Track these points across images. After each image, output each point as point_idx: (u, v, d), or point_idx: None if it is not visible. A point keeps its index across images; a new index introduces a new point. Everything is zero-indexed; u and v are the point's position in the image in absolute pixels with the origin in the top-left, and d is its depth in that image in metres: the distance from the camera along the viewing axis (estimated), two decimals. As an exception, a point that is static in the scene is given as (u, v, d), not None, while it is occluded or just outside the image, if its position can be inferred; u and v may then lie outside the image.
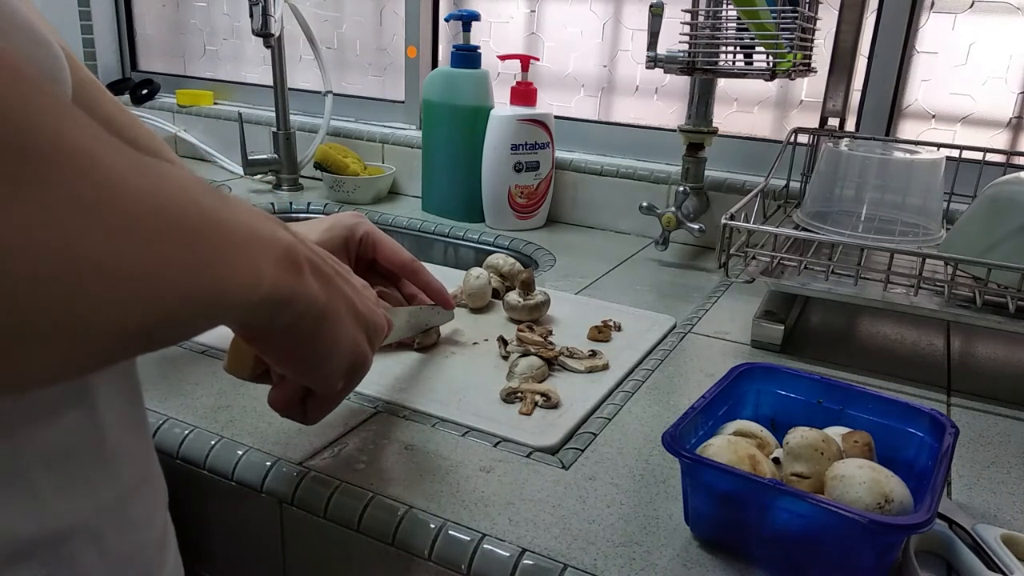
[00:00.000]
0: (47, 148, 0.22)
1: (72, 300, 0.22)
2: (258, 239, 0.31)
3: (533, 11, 1.24)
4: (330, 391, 0.43)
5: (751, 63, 0.90)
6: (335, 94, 1.31)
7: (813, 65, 0.92)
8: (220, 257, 0.28)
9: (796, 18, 0.83)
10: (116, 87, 1.61)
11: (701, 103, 0.96)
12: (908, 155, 0.82)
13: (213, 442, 0.53)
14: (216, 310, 0.29)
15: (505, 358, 0.67)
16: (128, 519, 0.37)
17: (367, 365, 0.43)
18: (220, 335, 0.35)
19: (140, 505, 0.38)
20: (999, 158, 0.89)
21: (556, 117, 1.11)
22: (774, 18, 0.83)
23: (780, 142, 0.93)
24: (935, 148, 0.83)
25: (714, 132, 0.98)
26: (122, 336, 0.25)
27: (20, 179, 0.21)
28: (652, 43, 0.91)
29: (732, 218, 0.71)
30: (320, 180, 1.26)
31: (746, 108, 1.13)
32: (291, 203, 1.23)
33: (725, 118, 1.12)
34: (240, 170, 1.30)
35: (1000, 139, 0.99)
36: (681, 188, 1.00)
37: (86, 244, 0.22)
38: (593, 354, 0.67)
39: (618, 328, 0.74)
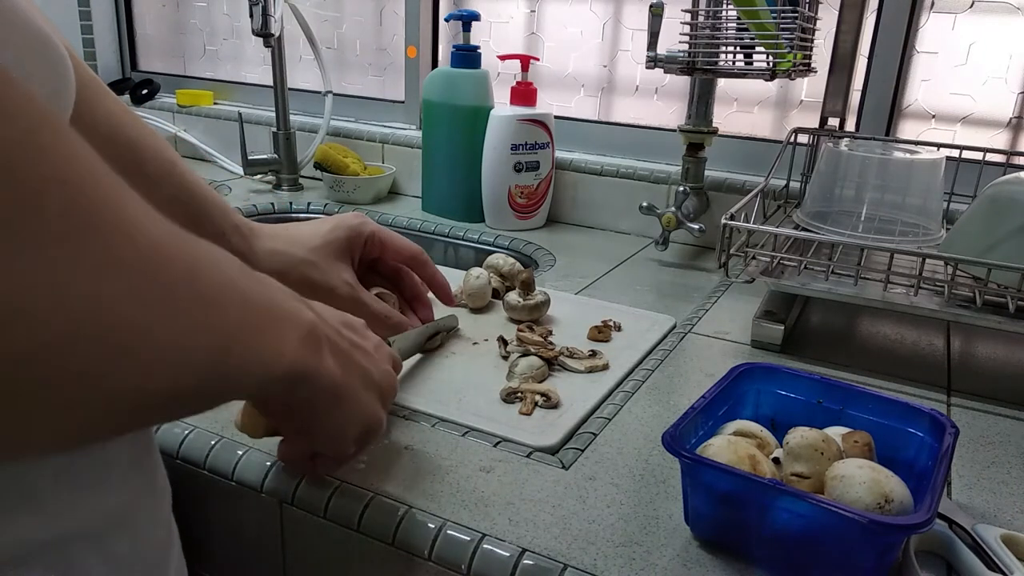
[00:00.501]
0: (94, 208, 0.22)
1: (100, 361, 0.22)
2: (284, 316, 0.32)
3: (533, 11, 1.24)
4: (341, 456, 0.45)
5: (751, 63, 0.90)
6: (335, 94, 1.31)
7: (813, 65, 0.92)
8: (247, 330, 0.29)
9: (796, 18, 0.83)
10: (116, 87, 1.61)
11: (701, 103, 0.96)
12: (908, 155, 0.82)
13: (213, 442, 0.53)
14: (237, 382, 0.30)
15: (505, 358, 0.67)
16: (132, 524, 0.37)
17: (380, 429, 0.45)
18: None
19: (144, 510, 0.38)
20: (999, 158, 0.89)
21: (556, 117, 1.11)
22: (774, 18, 0.83)
23: (780, 142, 0.93)
24: (935, 148, 0.83)
25: (714, 132, 0.98)
26: (144, 403, 0.25)
27: (61, 236, 0.21)
28: (652, 43, 0.91)
29: (732, 218, 0.71)
30: (320, 180, 1.26)
31: (746, 108, 1.13)
32: (291, 203, 1.23)
33: (725, 118, 1.12)
34: (240, 170, 1.30)
35: (1000, 139, 0.99)
36: (681, 188, 1.00)
37: (120, 306, 0.23)
38: (593, 354, 0.67)
39: (618, 328, 0.74)
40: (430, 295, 0.68)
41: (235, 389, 0.31)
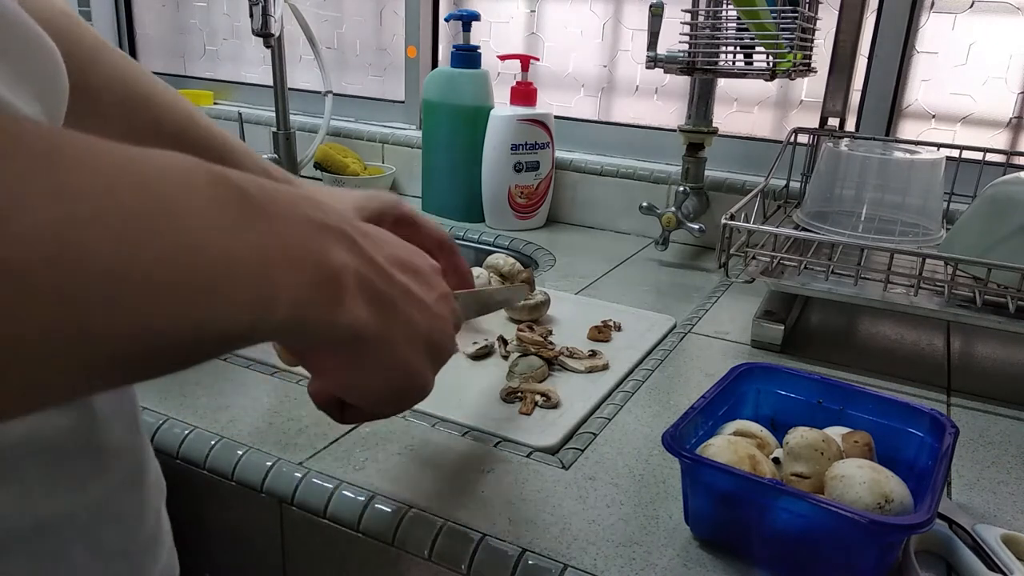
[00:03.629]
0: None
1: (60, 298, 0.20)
2: (279, 259, 0.28)
3: (533, 11, 1.24)
4: (374, 411, 0.41)
5: (751, 63, 0.90)
6: (335, 94, 1.31)
7: (813, 65, 0.92)
8: (232, 271, 0.25)
9: (796, 18, 0.83)
10: (116, 87, 1.60)
11: (701, 103, 0.96)
12: (908, 155, 0.82)
13: (213, 442, 0.53)
14: (223, 328, 0.26)
15: (505, 358, 0.67)
16: (119, 515, 0.37)
17: (424, 392, 0.40)
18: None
19: (132, 501, 0.38)
20: (999, 158, 0.89)
21: (556, 117, 1.11)
22: (774, 18, 0.83)
23: (780, 142, 0.93)
24: (935, 148, 0.83)
25: (714, 132, 0.98)
26: (109, 346, 0.22)
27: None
28: (652, 43, 0.91)
29: (732, 218, 0.70)
30: (320, 180, 1.26)
31: (746, 108, 1.13)
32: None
33: (725, 118, 1.12)
34: (240, 170, 1.29)
35: (1000, 139, 0.99)
36: (681, 188, 1.00)
37: (72, 232, 0.20)
38: (593, 354, 0.67)
39: (618, 328, 0.74)
40: None
41: (224, 339, 0.27)
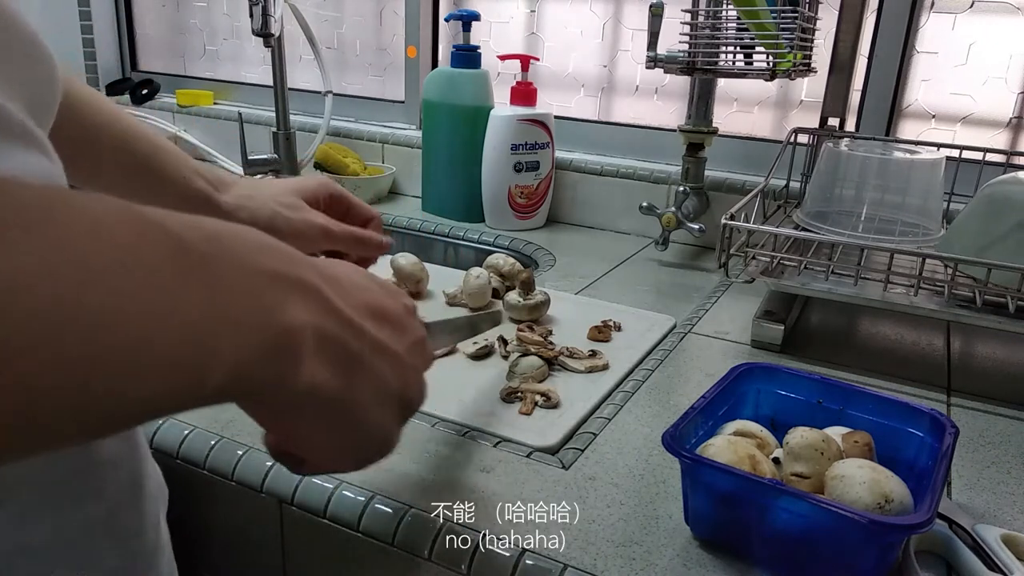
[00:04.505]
0: None
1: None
2: (223, 320, 0.25)
3: (533, 11, 1.24)
4: (335, 469, 0.39)
5: (751, 63, 0.90)
6: (335, 94, 1.31)
7: (813, 65, 0.92)
8: (130, 363, 0.22)
9: (796, 18, 0.83)
10: (116, 87, 1.61)
11: (701, 103, 0.96)
12: (907, 155, 0.82)
13: (213, 442, 0.53)
14: (134, 405, 0.23)
15: (505, 358, 0.67)
16: (117, 530, 0.36)
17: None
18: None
19: (131, 515, 0.37)
20: (999, 158, 0.89)
21: (556, 117, 1.11)
22: (774, 18, 0.83)
23: (780, 142, 0.93)
24: (935, 148, 0.83)
25: (714, 132, 0.98)
26: (39, 412, 0.20)
27: None
28: (652, 43, 0.91)
29: (732, 218, 0.71)
30: (320, 180, 1.26)
31: (746, 108, 1.13)
32: (291, 203, 1.23)
33: (725, 118, 1.12)
34: (240, 170, 1.29)
35: (1000, 139, 0.99)
36: (681, 188, 1.00)
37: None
38: (593, 354, 0.67)
39: (618, 328, 0.74)
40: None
41: (147, 409, 0.24)
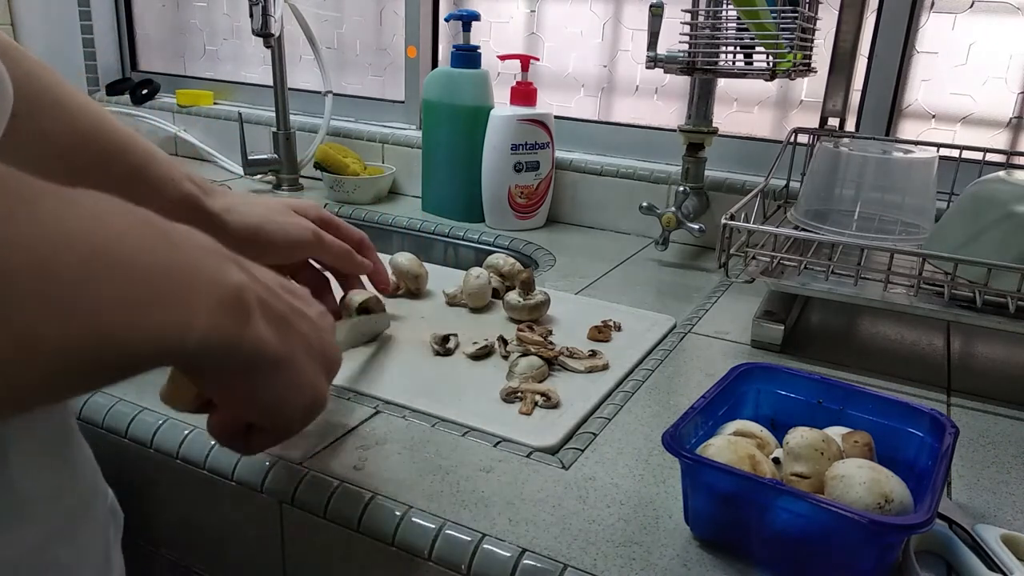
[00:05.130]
0: None
1: None
2: (193, 282, 0.29)
3: (533, 11, 1.24)
4: (281, 431, 0.41)
5: (751, 63, 0.90)
6: (335, 94, 1.31)
7: (813, 65, 0.92)
8: (133, 303, 0.26)
9: (796, 18, 0.83)
10: (116, 87, 1.61)
11: (701, 103, 0.96)
12: (900, 154, 0.82)
13: (213, 442, 0.53)
14: (131, 360, 0.27)
15: (505, 358, 0.67)
16: (52, 565, 0.35)
17: (323, 404, 0.41)
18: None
19: (68, 547, 0.36)
20: (999, 158, 0.88)
21: (556, 117, 1.11)
22: (774, 18, 0.83)
23: (780, 142, 0.93)
24: (932, 148, 0.83)
25: (714, 132, 0.98)
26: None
27: None
28: (652, 43, 0.91)
29: (732, 218, 0.71)
30: (320, 180, 1.26)
31: (746, 108, 1.13)
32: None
33: (725, 118, 1.12)
34: (240, 170, 1.30)
35: (1000, 139, 0.99)
36: (681, 188, 1.00)
37: None
38: (593, 354, 0.67)
39: (618, 328, 0.74)
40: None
41: (133, 367, 0.27)
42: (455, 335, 0.69)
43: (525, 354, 0.65)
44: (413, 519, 0.46)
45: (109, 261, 0.25)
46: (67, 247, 0.24)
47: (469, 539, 0.45)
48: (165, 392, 0.41)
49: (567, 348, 0.67)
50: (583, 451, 0.54)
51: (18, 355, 0.22)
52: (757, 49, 0.88)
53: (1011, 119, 0.98)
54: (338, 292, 0.68)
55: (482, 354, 0.67)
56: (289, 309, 0.37)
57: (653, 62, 0.91)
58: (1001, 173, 0.72)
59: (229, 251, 0.34)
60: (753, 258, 0.73)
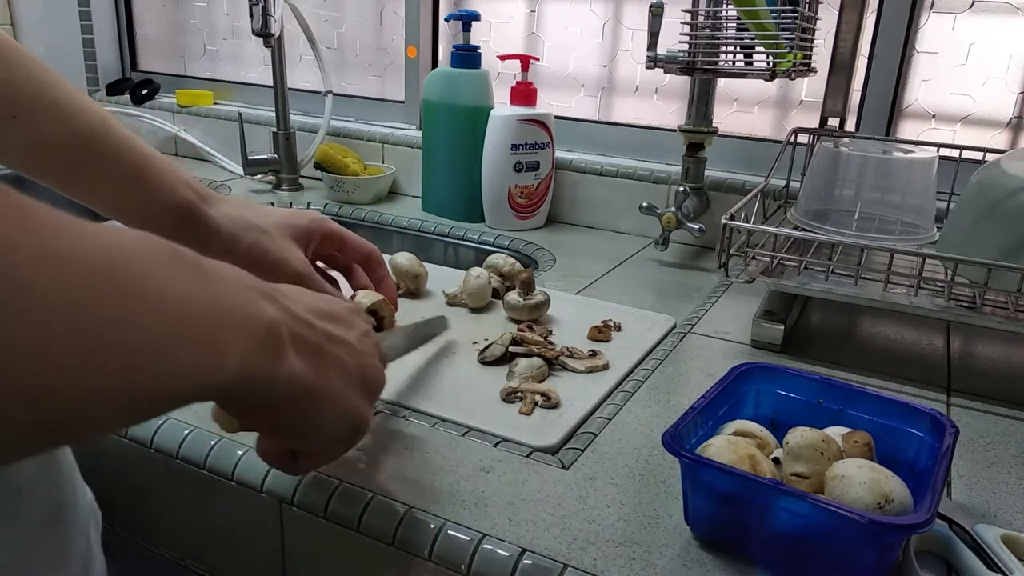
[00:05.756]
0: None
1: None
2: (225, 321, 0.29)
3: (533, 11, 1.24)
4: (323, 455, 0.42)
5: (751, 63, 0.90)
6: (335, 94, 1.31)
7: (813, 65, 0.92)
8: (170, 344, 0.25)
9: (796, 18, 0.83)
10: (116, 87, 1.61)
11: (701, 103, 0.96)
12: (900, 154, 0.82)
13: (213, 442, 0.53)
14: (166, 399, 0.27)
15: (506, 358, 0.66)
16: (34, 563, 0.35)
17: (366, 427, 0.42)
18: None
19: (50, 546, 0.36)
20: (999, 158, 0.88)
21: (556, 117, 1.11)
22: (774, 18, 0.83)
23: (780, 142, 0.93)
24: (932, 148, 0.83)
25: (714, 132, 0.98)
26: (24, 432, 0.22)
27: None
28: (652, 43, 0.91)
29: (732, 218, 0.71)
30: (320, 180, 1.26)
31: (746, 108, 1.13)
32: (291, 203, 1.23)
33: (725, 118, 1.12)
34: (240, 170, 1.30)
35: (1000, 139, 0.99)
36: (681, 188, 1.00)
37: None
38: (593, 354, 0.67)
39: (618, 328, 0.74)
40: None
41: (165, 406, 0.27)
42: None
43: (525, 354, 0.64)
44: (413, 519, 0.46)
45: (136, 303, 0.24)
46: (91, 289, 0.22)
47: (469, 539, 0.45)
48: (215, 413, 0.41)
49: (567, 348, 0.67)
50: (583, 451, 0.54)
51: (23, 407, 0.21)
52: (757, 49, 0.88)
53: (1011, 119, 0.98)
54: (347, 290, 0.68)
55: (490, 360, 0.65)
56: (325, 338, 0.37)
57: (653, 62, 0.91)
58: (999, 161, 0.72)
59: (262, 282, 0.34)
60: (753, 258, 0.73)
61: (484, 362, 0.65)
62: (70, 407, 0.22)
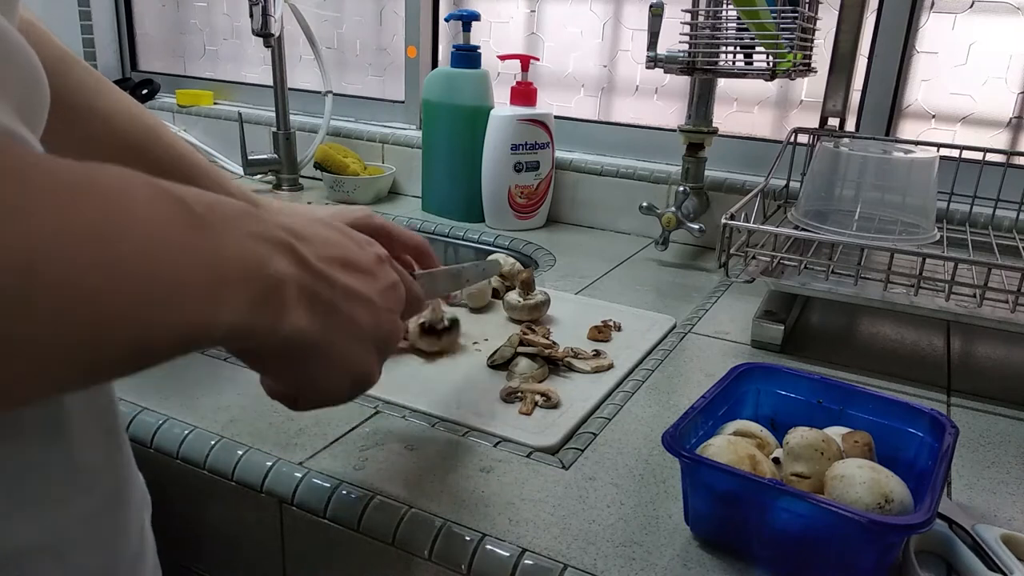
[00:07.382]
0: None
1: None
2: (223, 276, 0.28)
3: (533, 11, 1.24)
4: (324, 403, 0.42)
5: (751, 63, 0.90)
6: (335, 94, 1.31)
7: (813, 65, 0.92)
8: (147, 299, 0.25)
9: (796, 18, 0.83)
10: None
11: (701, 103, 0.96)
12: (901, 154, 0.82)
13: (213, 442, 0.53)
14: (150, 353, 0.27)
15: (506, 358, 0.66)
16: (97, 536, 0.36)
17: (371, 382, 0.41)
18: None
19: (111, 521, 0.37)
20: (999, 158, 0.88)
21: (556, 117, 1.11)
22: (774, 18, 0.83)
23: (780, 142, 0.93)
24: (932, 148, 0.83)
25: (714, 132, 0.98)
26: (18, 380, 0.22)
27: None
28: (652, 43, 0.91)
29: (732, 218, 0.70)
30: (320, 180, 1.26)
31: (746, 108, 1.13)
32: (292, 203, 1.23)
33: (725, 118, 1.12)
34: (240, 170, 1.30)
35: (1000, 139, 0.99)
36: (681, 188, 1.00)
37: None
38: (597, 354, 0.67)
39: (618, 328, 0.74)
40: None
41: (151, 358, 0.27)
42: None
43: (534, 356, 0.64)
44: (413, 519, 0.46)
45: (126, 255, 0.24)
46: (78, 240, 0.23)
47: (469, 539, 0.45)
48: None
49: (571, 349, 0.67)
50: (583, 451, 0.54)
51: (10, 352, 0.22)
52: (757, 49, 0.88)
53: (1011, 119, 0.98)
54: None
55: (498, 364, 0.65)
56: (342, 294, 0.37)
57: (653, 62, 0.91)
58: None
59: (284, 227, 0.33)
60: (753, 258, 0.73)
61: (493, 366, 0.65)
62: (63, 353, 0.23)
